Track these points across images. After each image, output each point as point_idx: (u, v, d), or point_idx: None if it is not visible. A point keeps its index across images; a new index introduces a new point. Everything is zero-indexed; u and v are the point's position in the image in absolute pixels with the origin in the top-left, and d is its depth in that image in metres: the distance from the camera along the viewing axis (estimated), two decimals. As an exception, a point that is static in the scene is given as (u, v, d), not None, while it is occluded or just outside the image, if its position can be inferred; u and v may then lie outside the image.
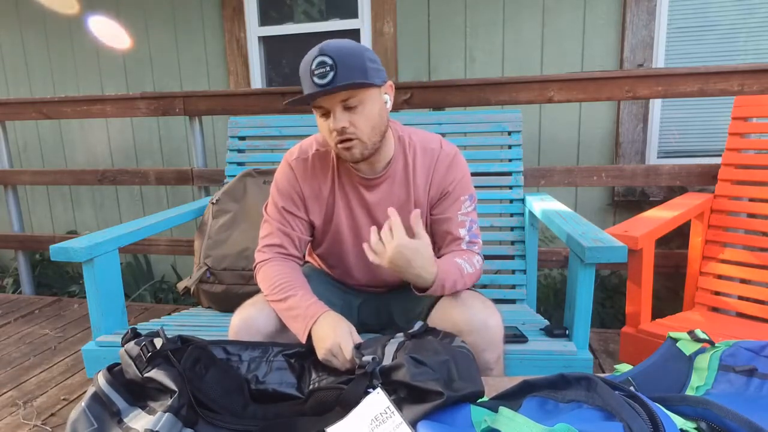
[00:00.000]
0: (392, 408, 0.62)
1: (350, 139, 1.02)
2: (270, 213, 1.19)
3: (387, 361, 0.81)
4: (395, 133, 1.16)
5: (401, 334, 0.90)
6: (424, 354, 0.74)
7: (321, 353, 0.92)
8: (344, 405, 0.72)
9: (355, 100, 1.00)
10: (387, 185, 1.16)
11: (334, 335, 0.92)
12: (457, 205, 1.16)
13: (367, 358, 0.79)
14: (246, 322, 1.06)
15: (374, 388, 0.69)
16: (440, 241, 1.19)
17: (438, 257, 1.20)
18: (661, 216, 1.58)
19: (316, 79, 0.97)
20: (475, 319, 1.02)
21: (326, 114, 1.03)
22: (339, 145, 1.04)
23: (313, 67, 0.97)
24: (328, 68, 0.96)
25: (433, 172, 1.16)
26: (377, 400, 0.64)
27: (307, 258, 1.41)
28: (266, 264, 1.15)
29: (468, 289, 1.15)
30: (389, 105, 1.09)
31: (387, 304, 1.29)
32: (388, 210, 0.97)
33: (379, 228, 1.15)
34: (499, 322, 1.05)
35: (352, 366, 0.87)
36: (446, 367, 0.71)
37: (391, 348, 0.85)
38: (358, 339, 0.96)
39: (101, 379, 0.75)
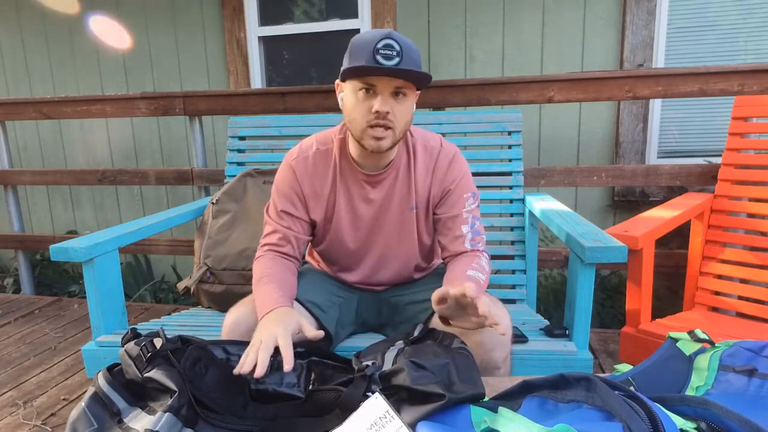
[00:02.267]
0: (392, 412, 0.62)
1: (387, 127, 1.03)
2: (270, 214, 1.21)
3: (387, 367, 0.81)
4: None
5: (401, 340, 0.90)
6: (423, 358, 0.74)
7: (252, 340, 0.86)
8: (343, 407, 0.72)
9: (405, 90, 1.02)
10: (389, 181, 1.17)
11: (269, 330, 0.86)
12: (461, 203, 1.17)
13: (367, 362, 0.79)
14: (237, 321, 1.06)
15: (373, 392, 0.69)
16: (444, 239, 1.19)
17: (444, 258, 1.20)
18: (661, 216, 1.58)
19: (380, 58, 0.97)
20: None
21: (368, 92, 1.02)
22: (371, 129, 1.03)
23: (379, 46, 0.97)
24: (395, 52, 0.97)
25: (433, 170, 1.17)
26: (376, 404, 0.64)
27: (307, 258, 1.42)
28: (260, 258, 1.17)
29: None
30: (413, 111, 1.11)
31: (388, 302, 1.29)
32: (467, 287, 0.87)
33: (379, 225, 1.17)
34: (508, 322, 1.05)
35: (255, 366, 0.79)
36: (446, 370, 0.71)
37: (390, 354, 0.85)
38: (313, 331, 0.91)
39: (101, 379, 0.75)
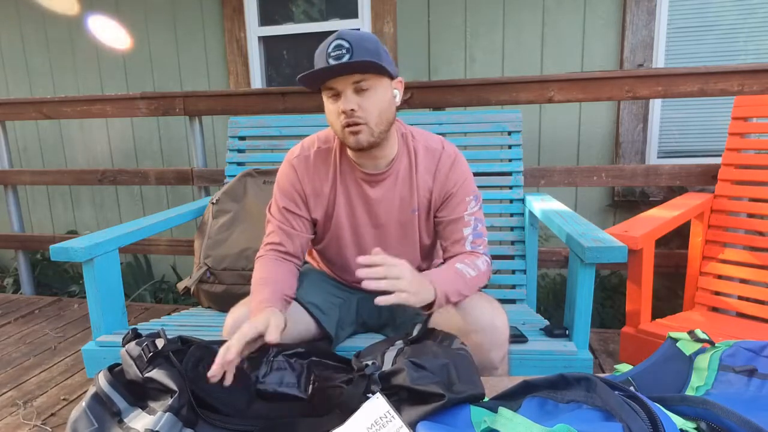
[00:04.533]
0: (392, 412, 0.62)
1: (357, 123, 1.02)
2: (273, 212, 1.20)
3: (387, 367, 0.81)
4: (399, 131, 1.17)
5: (400, 340, 0.90)
6: (423, 358, 0.74)
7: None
8: (343, 407, 0.72)
9: (366, 84, 1.01)
10: (390, 182, 1.16)
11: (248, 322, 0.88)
12: (463, 206, 1.16)
13: (366, 362, 0.79)
14: (238, 321, 1.06)
15: (373, 393, 0.69)
16: (445, 242, 1.18)
17: (445, 259, 1.20)
18: (661, 216, 1.58)
19: (331, 60, 0.98)
20: (482, 319, 1.02)
21: (336, 96, 1.03)
22: (346, 129, 1.04)
23: (330, 49, 0.99)
24: (344, 51, 0.98)
25: (435, 173, 1.16)
26: (377, 404, 0.64)
27: (307, 258, 1.42)
28: (261, 259, 1.16)
29: None
30: (398, 100, 1.10)
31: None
32: (373, 250, 0.92)
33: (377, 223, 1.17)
34: (506, 322, 1.05)
35: (232, 355, 0.80)
36: (446, 370, 0.71)
37: (390, 354, 0.85)
38: (272, 335, 0.88)
39: (102, 379, 0.75)
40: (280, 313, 0.97)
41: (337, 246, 1.23)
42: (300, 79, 1.01)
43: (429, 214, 1.20)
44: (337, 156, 1.17)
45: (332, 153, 1.17)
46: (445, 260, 1.20)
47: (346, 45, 0.98)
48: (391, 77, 1.07)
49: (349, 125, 1.03)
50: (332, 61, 0.98)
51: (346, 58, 0.98)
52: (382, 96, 1.05)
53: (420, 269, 1.30)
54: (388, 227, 1.19)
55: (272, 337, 0.87)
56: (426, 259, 1.29)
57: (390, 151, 1.14)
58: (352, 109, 1.01)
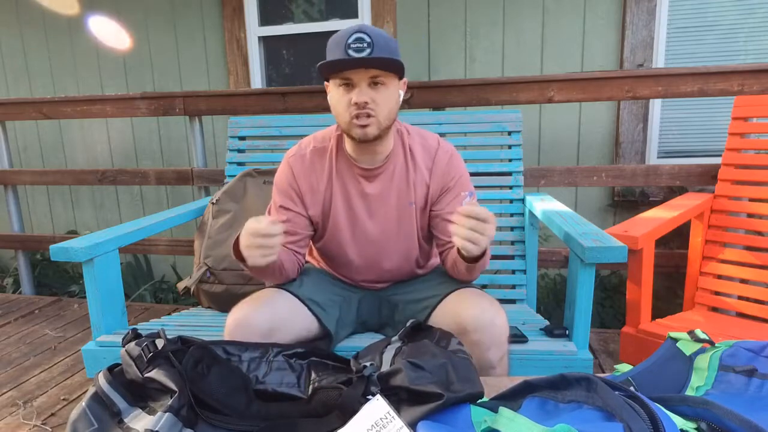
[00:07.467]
0: (392, 413, 0.62)
1: (369, 116, 1.05)
2: (272, 213, 1.23)
3: (385, 367, 0.81)
4: (394, 127, 1.19)
5: (397, 339, 0.90)
6: (421, 358, 0.74)
7: (242, 242, 0.99)
8: (343, 408, 0.72)
9: (382, 79, 1.06)
10: (387, 176, 1.18)
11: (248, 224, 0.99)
12: (458, 200, 1.18)
13: (365, 363, 0.79)
14: (240, 321, 1.06)
15: (373, 394, 0.69)
16: (443, 234, 1.20)
17: (442, 251, 1.22)
18: (661, 216, 1.58)
19: (352, 52, 1.01)
20: (482, 318, 1.02)
21: (348, 87, 1.06)
22: (355, 120, 1.06)
23: (350, 41, 1.02)
24: (365, 44, 1.01)
25: (432, 167, 1.19)
26: (377, 406, 0.64)
27: (308, 258, 1.42)
28: None
29: (472, 288, 1.16)
30: (400, 100, 1.14)
31: (388, 301, 1.29)
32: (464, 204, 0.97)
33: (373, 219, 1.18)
34: (505, 322, 1.06)
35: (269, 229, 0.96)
36: (444, 369, 0.71)
37: (388, 355, 0.85)
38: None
39: (102, 379, 0.75)
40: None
41: (336, 242, 1.24)
42: (320, 66, 1.04)
43: (425, 209, 1.22)
44: (333, 153, 1.19)
45: (328, 151, 1.20)
46: (442, 253, 1.21)
47: (368, 39, 1.01)
48: (400, 77, 1.11)
49: (359, 116, 1.05)
50: (352, 53, 1.00)
51: (366, 52, 1.01)
52: (393, 93, 1.09)
53: (419, 264, 1.30)
54: (387, 221, 1.21)
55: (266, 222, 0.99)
56: (424, 255, 1.29)
57: (387, 147, 1.17)
58: (366, 102, 1.04)
